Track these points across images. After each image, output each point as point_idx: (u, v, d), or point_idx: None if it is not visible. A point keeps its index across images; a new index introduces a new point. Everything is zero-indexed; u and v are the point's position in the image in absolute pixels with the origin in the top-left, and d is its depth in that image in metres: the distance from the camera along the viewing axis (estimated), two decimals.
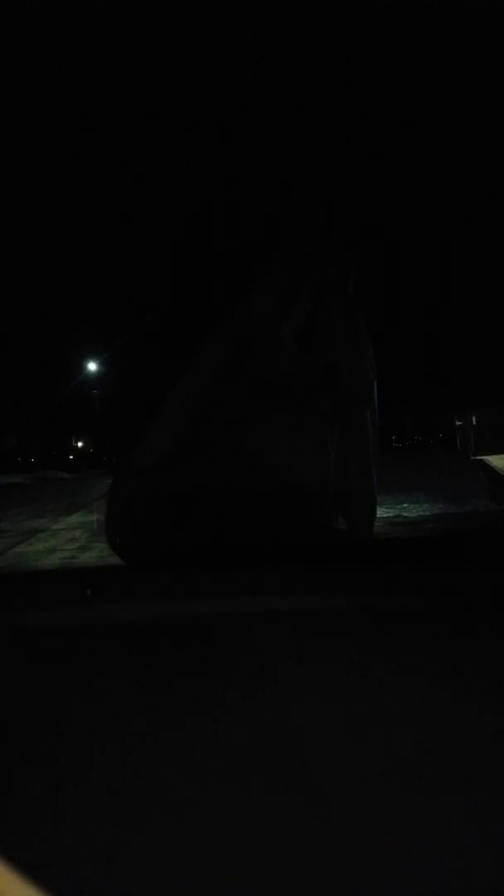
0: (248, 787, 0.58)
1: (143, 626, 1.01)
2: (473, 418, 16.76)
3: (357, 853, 0.50)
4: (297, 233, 2.52)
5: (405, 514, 5.49)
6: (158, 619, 1.03)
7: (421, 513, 5.59)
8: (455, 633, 0.91)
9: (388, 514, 5.35)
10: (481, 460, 11.56)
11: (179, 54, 2.54)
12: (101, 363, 15.93)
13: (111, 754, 0.65)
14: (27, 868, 0.48)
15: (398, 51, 2.43)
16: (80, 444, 28.68)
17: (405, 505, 5.98)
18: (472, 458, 13.13)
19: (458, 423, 19.55)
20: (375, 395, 1.94)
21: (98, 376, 16.66)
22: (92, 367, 16.30)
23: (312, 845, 0.51)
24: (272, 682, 0.78)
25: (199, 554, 1.36)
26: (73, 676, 0.85)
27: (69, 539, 5.83)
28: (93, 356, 15.83)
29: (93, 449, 26.55)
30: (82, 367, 16.36)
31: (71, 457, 26.79)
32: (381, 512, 5.08)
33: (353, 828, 0.53)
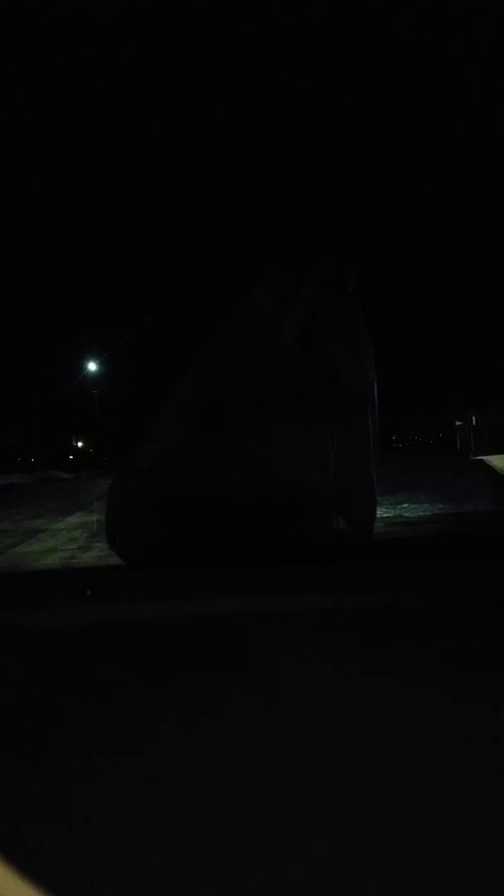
0: (248, 787, 0.58)
1: (142, 626, 1.01)
2: (473, 418, 16.78)
3: (360, 857, 0.50)
4: (297, 233, 2.52)
5: (405, 515, 5.49)
6: (158, 619, 1.02)
7: (421, 513, 5.59)
8: (455, 633, 0.91)
9: (389, 515, 5.35)
10: (481, 460, 11.56)
11: (182, 54, 2.54)
12: (101, 363, 15.94)
13: (111, 754, 0.65)
14: (27, 868, 0.48)
15: (400, 52, 2.43)
16: (80, 444, 28.70)
17: (405, 505, 5.98)
18: (472, 458, 13.13)
19: (458, 423, 19.57)
20: (375, 395, 1.94)
21: (98, 376, 16.67)
22: (92, 366, 16.31)
23: (313, 845, 0.51)
24: (272, 681, 0.78)
25: (198, 554, 1.36)
26: (73, 676, 0.85)
27: (69, 539, 5.83)
28: (93, 356, 15.84)
29: (93, 449, 26.56)
30: (82, 367, 16.37)
31: (71, 457, 26.79)
32: (381, 512, 5.08)
33: (355, 830, 0.53)
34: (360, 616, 1.00)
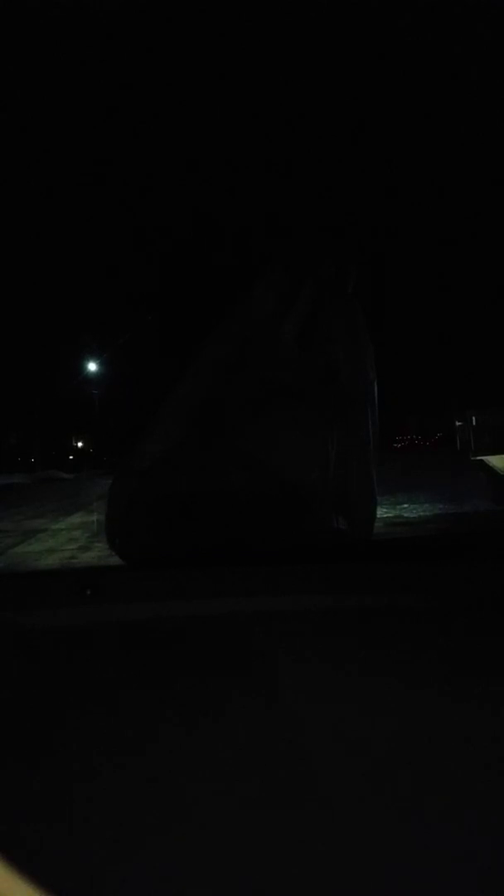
0: (248, 787, 0.58)
1: (142, 626, 1.01)
2: (473, 418, 16.77)
3: (360, 857, 0.50)
4: (297, 233, 2.52)
5: (405, 515, 5.49)
6: (158, 619, 1.03)
7: (421, 513, 5.59)
8: (455, 633, 0.91)
9: (389, 515, 5.35)
10: (481, 460, 11.55)
11: (182, 54, 2.54)
12: (101, 363, 15.93)
13: (111, 754, 0.65)
14: (27, 868, 0.48)
15: (400, 52, 2.43)
16: (80, 444, 28.69)
17: (405, 505, 5.98)
18: (472, 458, 13.13)
19: (458, 423, 19.55)
20: (375, 395, 1.94)
21: (98, 376, 16.65)
22: (92, 367, 16.30)
23: (313, 845, 0.51)
24: (272, 681, 0.78)
25: (198, 554, 1.36)
26: (73, 676, 0.85)
27: (69, 539, 5.83)
28: (93, 356, 15.83)
29: (93, 449, 26.54)
30: (82, 367, 16.36)
31: (71, 457, 26.79)
32: (381, 512, 5.07)
33: (355, 830, 0.53)
34: (360, 616, 1.00)
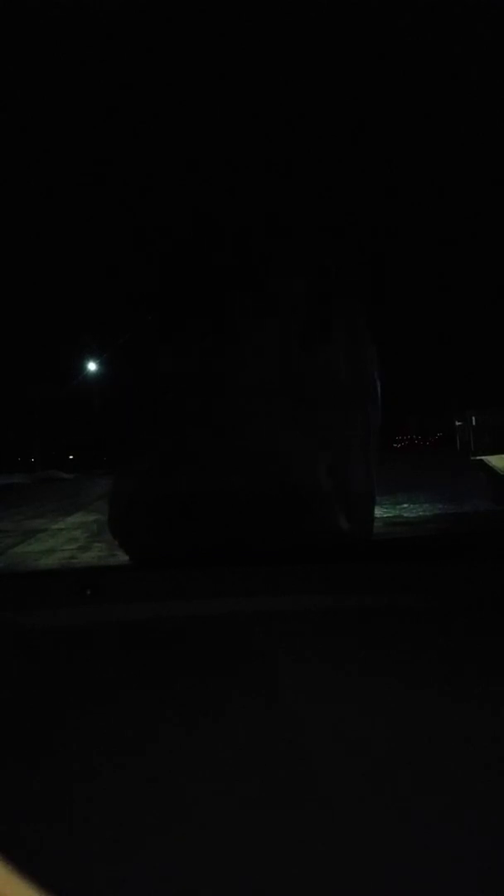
0: (248, 787, 0.58)
1: (142, 626, 1.01)
2: (473, 418, 16.78)
3: (360, 857, 0.50)
4: (297, 233, 2.52)
5: (405, 515, 5.50)
6: (158, 619, 1.02)
7: (421, 513, 5.60)
8: (455, 633, 0.91)
9: (389, 515, 5.36)
10: (481, 460, 11.56)
11: (182, 54, 2.54)
12: (101, 363, 15.91)
13: (111, 755, 0.65)
14: (27, 868, 0.48)
15: (400, 52, 2.43)
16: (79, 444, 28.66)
17: (405, 505, 5.98)
18: (472, 458, 13.13)
19: (458, 423, 19.57)
20: (377, 395, 1.93)
21: (98, 376, 16.65)
22: (92, 366, 16.29)
23: (313, 845, 0.51)
24: (272, 681, 0.78)
25: (199, 554, 1.36)
26: (73, 676, 0.85)
27: (69, 539, 5.84)
28: (93, 356, 15.82)
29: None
30: (82, 367, 16.35)
31: (71, 457, 26.81)
32: (381, 512, 5.07)
33: (355, 830, 0.53)
34: (360, 616, 1.00)
